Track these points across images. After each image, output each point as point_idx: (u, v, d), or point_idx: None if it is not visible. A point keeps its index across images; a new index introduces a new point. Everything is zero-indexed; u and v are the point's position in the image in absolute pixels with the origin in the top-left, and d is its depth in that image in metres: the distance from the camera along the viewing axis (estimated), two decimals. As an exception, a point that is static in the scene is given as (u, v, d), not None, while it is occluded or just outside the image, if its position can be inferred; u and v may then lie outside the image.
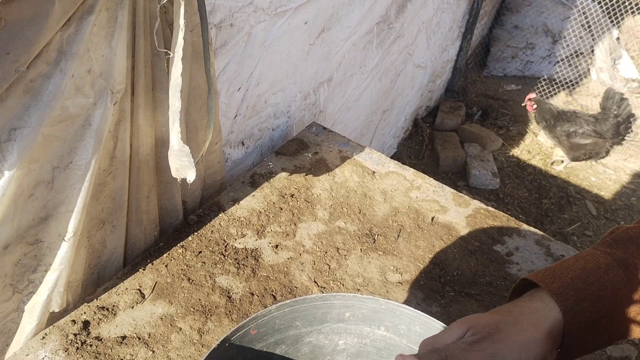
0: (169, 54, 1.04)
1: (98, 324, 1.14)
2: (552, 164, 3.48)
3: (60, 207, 1.02)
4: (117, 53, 0.99)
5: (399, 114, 3.14)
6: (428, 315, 0.80)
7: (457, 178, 3.33)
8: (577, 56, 4.27)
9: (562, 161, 3.49)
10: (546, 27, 4.30)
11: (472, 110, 3.97)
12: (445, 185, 1.64)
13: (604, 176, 3.45)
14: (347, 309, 0.83)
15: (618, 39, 4.47)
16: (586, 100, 4.13)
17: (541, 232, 1.50)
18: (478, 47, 4.37)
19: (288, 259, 1.35)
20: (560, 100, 4.04)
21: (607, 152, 3.51)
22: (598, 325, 0.67)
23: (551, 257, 1.42)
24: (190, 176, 1.14)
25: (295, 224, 1.45)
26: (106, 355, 1.08)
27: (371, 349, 0.88)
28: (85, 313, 1.15)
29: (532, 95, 3.59)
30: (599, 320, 0.67)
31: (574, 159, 3.47)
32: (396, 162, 1.72)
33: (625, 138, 3.60)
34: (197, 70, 1.19)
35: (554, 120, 3.45)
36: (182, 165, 1.12)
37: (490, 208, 1.57)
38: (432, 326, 0.80)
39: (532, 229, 1.51)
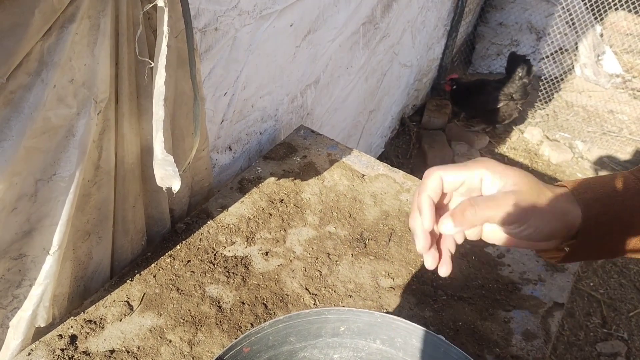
0: (151, 64, 1.02)
1: (85, 338, 1.11)
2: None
3: (44, 220, 0.99)
4: (100, 61, 0.96)
5: (385, 113, 3.13)
6: (424, 328, 0.79)
7: (445, 176, 3.33)
8: (561, 53, 4.29)
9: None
10: (530, 24, 4.32)
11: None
12: (435, 187, 1.63)
13: (590, 172, 3.47)
14: (342, 322, 0.81)
15: (601, 35, 4.50)
16: (571, 96, 4.16)
17: (532, 233, 1.50)
18: (463, 45, 4.38)
19: (278, 266, 1.33)
20: (545, 97, 4.06)
21: (519, 113, 3.66)
22: (611, 229, 0.70)
23: (542, 258, 1.42)
24: (175, 185, 1.11)
25: (285, 230, 1.43)
26: (94, 370, 1.06)
27: None
28: (72, 327, 1.13)
29: (454, 76, 3.69)
30: (612, 225, 0.69)
31: (493, 124, 3.66)
32: (385, 164, 1.71)
33: (531, 99, 3.76)
34: (182, 76, 1.17)
35: (468, 95, 3.55)
36: (167, 175, 1.10)
37: (480, 209, 1.56)
38: (429, 339, 0.79)
39: (522, 230, 1.51)
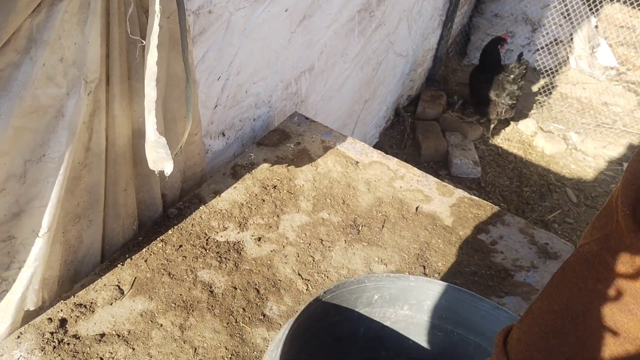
0: (142, 42, 1.00)
1: (75, 321, 1.10)
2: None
3: (34, 202, 0.98)
4: (90, 41, 0.95)
5: (380, 103, 3.12)
6: (457, 286, 0.80)
7: (439, 167, 3.32)
8: (556, 44, 4.29)
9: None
10: (526, 15, 4.30)
11: (453, 99, 3.96)
12: (429, 175, 1.62)
13: (583, 163, 3.47)
14: (377, 290, 0.82)
15: (596, 27, 4.49)
16: (565, 88, 4.15)
17: (525, 220, 1.50)
18: (458, 36, 4.36)
19: (271, 251, 1.33)
20: (540, 89, 4.05)
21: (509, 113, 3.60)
22: None
23: (535, 245, 1.42)
24: (168, 168, 1.10)
25: (278, 216, 1.42)
26: (84, 354, 1.05)
27: (389, 331, 0.88)
28: (62, 311, 1.12)
29: (504, 36, 3.59)
30: None
31: (486, 117, 3.61)
32: (379, 151, 1.71)
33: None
34: (174, 58, 1.16)
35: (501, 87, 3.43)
36: (159, 157, 1.09)
37: (474, 197, 1.56)
38: (461, 297, 0.80)
39: (515, 217, 1.51)
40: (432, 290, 0.84)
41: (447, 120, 3.65)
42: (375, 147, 3.38)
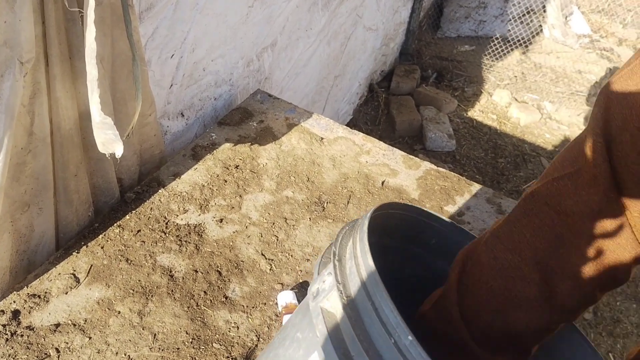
0: (82, 12, 0.95)
1: (29, 312, 1.07)
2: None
3: (-27, 191, 0.94)
4: (22, 18, 0.89)
5: (352, 79, 3.08)
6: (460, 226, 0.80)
7: (414, 142, 3.30)
8: (529, 14, 4.26)
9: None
10: (498, -15, 4.26)
11: (427, 72, 3.92)
12: (395, 148, 1.60)
13: (558, 132, 3.47)
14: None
15: (568, -5, 4.47)
16: (539, 57, 4.14)
17: (492, 190, 1.48)
18: (431, 9, 4.31)
19: (234, 232, 1.29)
20: (514, 59, 4.03)
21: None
22: None
23: (502, 214, 1.41)
24: (118, 150, 1.06)
25: (240, 196, 1.39)
26: (39, 345, 1.02)
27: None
28: (14, 302, 1.08)
29: None
30: None
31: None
32: (345, 127, 1.67)
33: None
34: (119, 35, 1.11)
35: None
36: (108, 139, 1.05)
37: (440, 169, 1.54)
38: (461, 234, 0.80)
39: (483, 187, 1.49)
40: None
41: (421, 95, 3.62)
42: (349, 124, 3.36)
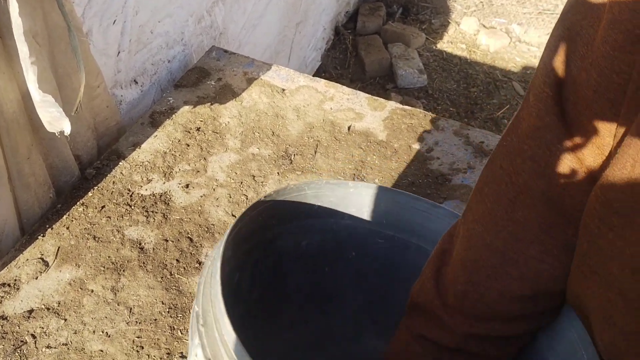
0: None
1: (0, 302, 1.05)
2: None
3: None
4: None
5: (315, 24, 2.99)
6: (394, 189, 0.77)
7: (386, 81, 3.25)
8: None
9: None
10: None
11: (393, 8, 3.83)
12: (359, 91, 1.56)
13: (528, 54, 3.44)
14: (317, 199, 0.78)
15: None
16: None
17: (459, 123, 1.46)
18: (390, -59, 4.18)
19: (201, 196, 1.27)
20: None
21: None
22: None
23: (470, 145, 1.39)
24: (66, 127, 1.03)
25: (205, 159, 1.36)
26: (14, 333, 1.01)
27: (332, 245, 0.85)
28: (-16, 294, 1.06)
29: None
30: None
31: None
32: (306, 75, 1.63)
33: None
34: (51, 7, 1.05)
35: None
36: (53, 117, 1.01)
37: (406, 107, 1.51)
38: (398, 199, 0.77)
39: (449, 120, 1.47)
40: (369, 195, 0.81)
41: (388, 32, 3.54)
42: (318, 70, 3.29)
